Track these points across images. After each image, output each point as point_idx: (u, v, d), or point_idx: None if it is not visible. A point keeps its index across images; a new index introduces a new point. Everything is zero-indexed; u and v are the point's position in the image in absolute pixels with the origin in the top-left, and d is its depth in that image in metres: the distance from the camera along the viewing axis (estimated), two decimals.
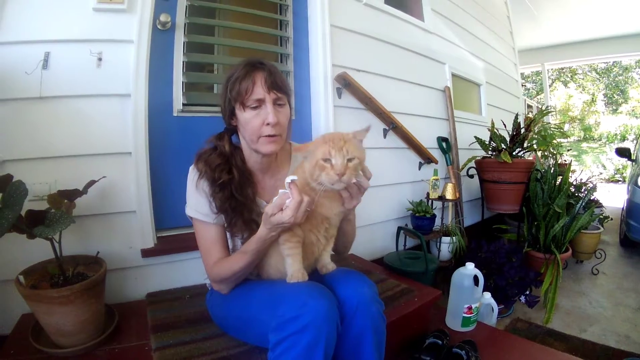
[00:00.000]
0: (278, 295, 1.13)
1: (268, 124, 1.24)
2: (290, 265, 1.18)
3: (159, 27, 1.97)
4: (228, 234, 1.37)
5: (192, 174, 1.35)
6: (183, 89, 2.05)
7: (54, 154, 1.70)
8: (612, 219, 4.48)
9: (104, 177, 1.64)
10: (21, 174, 1.33)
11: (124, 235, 1.82)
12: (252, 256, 1.23)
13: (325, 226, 1.22)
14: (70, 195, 1.49)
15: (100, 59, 1.77)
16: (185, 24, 2.08)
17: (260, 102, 1.25)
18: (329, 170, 1.06)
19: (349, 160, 1.06)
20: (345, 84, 2.53)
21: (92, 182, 1.56)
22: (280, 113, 1.28)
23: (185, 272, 1.90)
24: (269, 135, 1.26)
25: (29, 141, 1.66)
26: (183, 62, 2.05)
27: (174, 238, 1.97)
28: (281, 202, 1.09)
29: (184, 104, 2.05)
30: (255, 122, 1.25)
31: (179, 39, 2.05)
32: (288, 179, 1.08)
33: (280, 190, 1.12)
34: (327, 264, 1.32)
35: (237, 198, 1.30)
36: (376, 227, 2.77)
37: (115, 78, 1.80)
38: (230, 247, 1.40)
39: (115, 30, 1.82)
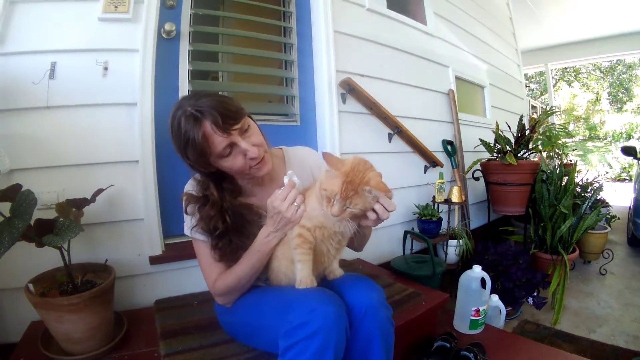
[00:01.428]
0: (287, 301, 1.14)
1: (252, 158, 1.22)
2: (300, 270, 1.18)
3: (163, 35, 1.99)
4: None
5: (187, 220, 1.34)
6: None
7: (61, 163, 1.72)
8: (619, 219, 4.46)
9: (111, 185, 1.66)
10: (29, 183, 1.35)
11: (132, 242, 1.84)
12: (254, 256, 1.25)
13: (339, 238, 1.23)
14: (79, 204, 1.50)
15: (106, 69, 1.79)
16: (190, 33, 2.09)
17: (229, 145, 1.19)
18: (328, 206, 1.09)
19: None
20: (350, 89, 2.53)
21: (100, 191, 1.58)
22: (252, 137, 1.24)
23: (193, 278, 1.89)
24: (258, 162, 1.25)
25: (37, 150, 1.68)
26: (188, 70, 2.07)
27: (181, 245, 1.97)
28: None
29: None
30: (238, 163, 1.22)
31: (184, 47, 2.07)
32: (286, 176, 1.18)
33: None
34: (335, 270, 1.33)
35: (237, 242, 1.30)
36: (383, 232, 2.76)
37: (122, 87, 1.82)
38: None
39: (121, 40, 1.84)
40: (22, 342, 1.50)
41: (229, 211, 1.29)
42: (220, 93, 1.27)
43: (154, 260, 1.86)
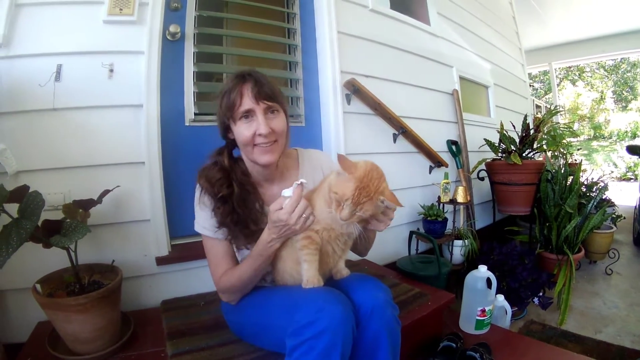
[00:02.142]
0: (294, 301, 1.14)
1: (260, 134, 1.24)
2: (306, 270, 1.18)
3: (168, 37, 2.00)
4: (234, 248, 1.39)
5: (197, 191, 1.37)
6: (194, 99, 2.07)
7: (68, 164, 1.73)
8: (624, 218, 4.43)
9: (118, 186, 1.67)
10: (36, 184, 1.36)
11: (138, 243, 1.85)
12: (256, 260, 1.25)
13: (345, 239, 1.23)
14: (86, 205, 1.51)
15: (111, 71, 1.80)
16: (194, 34, 2.10)
17: (251, 113, 1.25)
18: (337, 210, 1.09)
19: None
20: (354, 90, 2.53)
21: (106, 192, 1.59)
22: (273, 121, 1.28)
23: (199, 279, 1.90)
24: (264, 144, 1.26)
25: (43, 152, 1.69)
26: (193, 72, 2.08)
27: (188, 246, 1.98)
28: (283, 201, 1.14)
29: (195, 114, 2.07)
30: (247, 133, 1.25)
31: (189, 49, 2.08)
32: (297, 182, 1.14)
33: (284, 191, 1.16)
34: (342, 269, 1.33)
35: (239, 212, 1.30)
36: (388, 232, 2.73)
37: (127, 89, 1.83)
38: (239, 260, 1.41)
39: (126, 42, 1.85)
40: (29, 342, 1.51)
41: (234, 182, 1.32)
42: None
43: (161, 260, 1.87)
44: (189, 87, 2.06)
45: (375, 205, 1.08)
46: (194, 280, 1.91)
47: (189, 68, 2.07)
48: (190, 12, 2.10)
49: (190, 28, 2.09)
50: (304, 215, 1.15)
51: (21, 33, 1.68)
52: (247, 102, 1.24)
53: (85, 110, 1.77)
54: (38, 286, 1.38)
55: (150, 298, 1.86)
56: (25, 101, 1.67)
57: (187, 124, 2.06)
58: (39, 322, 1.61)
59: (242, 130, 1.26)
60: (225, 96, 1.27)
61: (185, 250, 1.94)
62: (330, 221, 1.16)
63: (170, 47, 2.01)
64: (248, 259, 1.28)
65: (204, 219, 1.34)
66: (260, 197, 1.38)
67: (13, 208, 1.26)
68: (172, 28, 1.98)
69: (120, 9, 1.82)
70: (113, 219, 1.79)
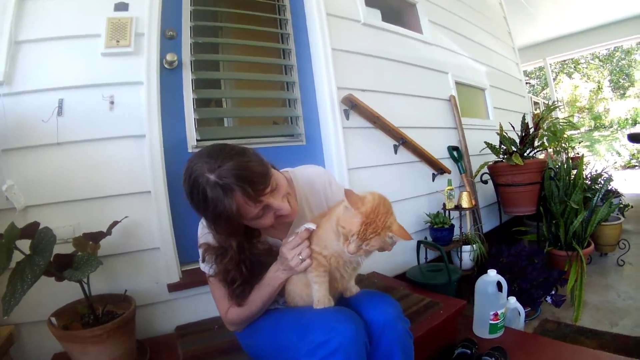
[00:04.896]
0: (306, 322, 1.15)
1: (282, 215, 1.21)
2: (317, 291, 1.19)
3: (166, 66, 2.03)
4: None
5: (204, 267, 1.34)
6: (195, 125, 2.09)
7: (75, 197, 1.76)
8: (632, 207, 4.37)
9: (126, 217, 1.69)
10: (44, 219, 1.39)
11: (149, 271, 1.86)
12: (264, 289, 1.26)
13: (354, 266, 1.24)
14: (95, 237, 1.54)
15: (112, 102, 1.84)
16: (191, 62, 2.13)
17: (263, 209, 1.15)
18: (344, 243, 1.09)
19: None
20: (352, 105, 2.55)
21: (115, 223, 1.61)
22: (279, 193, 1.19)
23: (211, 303, 1.86)
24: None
25: (50, 186, 1.72)
26: (193, 99, 2.10)
27: (198, 271, 1.93)
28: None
29: (197, 140, 2.09)
30: (268, 220, 1.20)
31: (187, 76, 2.11)
32: (305, 226, 1.18)
33: (301, 227, 1.20)
34: (351, 287, 1.34)
35: (255, 284, 1.29)
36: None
37: (129, 119, 1.86)
38: None
39: (125, 73, 1.89)
40: None
41: (246, 261, 1.26)
42: (239, 147, 1.18)
43: (172, 287, 1.88)
44: (190, 114, 2.09)
45: (383, 241, 1.08)
46: (207, 304, 1.90)
47: (189, 95, 2.10)
48: (186, 40, 2.14)
49: (187, 55, 2.12)
50: (300, 256, 1.16)
51: (22, 70, 1.72)
52: (251, 210, 1.12)
53: (89, 143, 1.80)
54: (53, 319, 1.40)
55: (164, 324, 1.87)
56: (30, 137, 1.70)
57: (190, 150, 2.08)
58: (54, 353, 1.61)
59: (262, 223, 1.20)
60: (222, 222, 1.13)
61: (196, 275, 1.93)
62: (339, 251, 1.16)
63: (169, 75, 2.04)
64: (257, 288, 1.28)
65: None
66: (275, 254, 1.28)
67: (25, 244, 1.29)
68: (169, 56, 2.01)
69: (117, 41, 1.85)
70: (123, 249, 1.80)
